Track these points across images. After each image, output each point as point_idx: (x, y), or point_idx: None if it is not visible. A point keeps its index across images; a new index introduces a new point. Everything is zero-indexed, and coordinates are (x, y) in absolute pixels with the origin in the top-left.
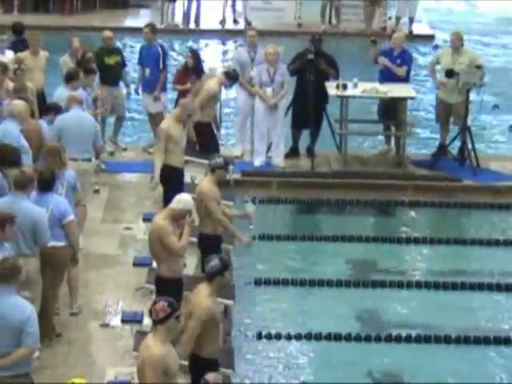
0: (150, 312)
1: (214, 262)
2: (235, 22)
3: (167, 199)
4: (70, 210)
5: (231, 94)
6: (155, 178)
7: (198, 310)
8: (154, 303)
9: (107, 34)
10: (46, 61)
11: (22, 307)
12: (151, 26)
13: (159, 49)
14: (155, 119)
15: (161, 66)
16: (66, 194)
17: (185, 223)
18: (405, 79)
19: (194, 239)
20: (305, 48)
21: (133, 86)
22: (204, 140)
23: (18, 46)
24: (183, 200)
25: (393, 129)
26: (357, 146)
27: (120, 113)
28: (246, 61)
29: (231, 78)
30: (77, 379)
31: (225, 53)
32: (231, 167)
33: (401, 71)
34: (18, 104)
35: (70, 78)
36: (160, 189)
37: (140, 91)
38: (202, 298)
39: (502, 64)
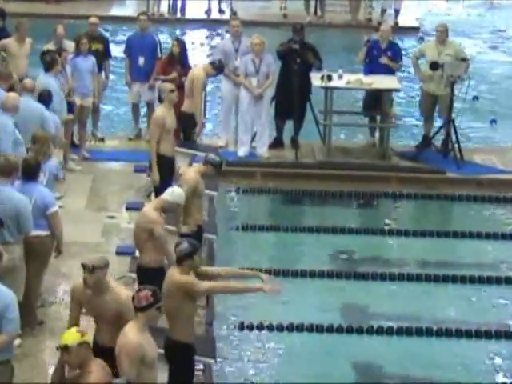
0: (133, 298)
1: (184, 245)
2: (221, 11)
3: (158, 188)
4: (54, 200)
5: (216, 84)
6: (154, 172)
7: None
8: (139, 290)
9: (92, 19)
10: (31, 48)
11: (3, 293)
12: (146, 14)
13: (155, 37)
14: (149, 108)
15: (159, 54)
16: (47, 182)
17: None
18: (391, 70)
19: (175, 228)
20: (289, 38)
21: (112, 77)
22: (186, 130)
23: (1, 33)
24: (176, 193)
25: (378, 120)
26: (341, 136)
27: (96, 101)
28: (230, 51)
29: (217, 68)
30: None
31: (210, 42)
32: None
33: (397, 67)
34: (11, 97)
35: (50, 67)
36: (144, 178)
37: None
38: (174, 276)
39: (482, 56)
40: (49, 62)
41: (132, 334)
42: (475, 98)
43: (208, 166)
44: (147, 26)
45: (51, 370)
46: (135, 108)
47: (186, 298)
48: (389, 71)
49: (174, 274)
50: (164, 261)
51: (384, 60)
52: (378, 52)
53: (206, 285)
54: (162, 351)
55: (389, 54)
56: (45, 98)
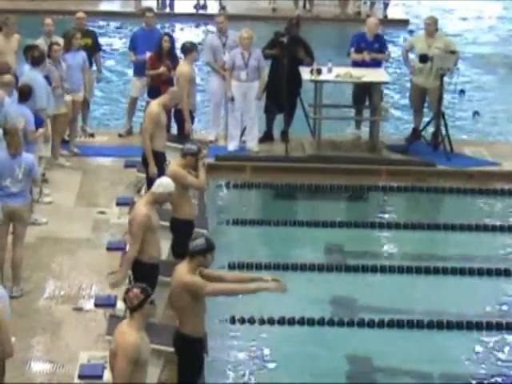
0: (125, 300)
1: (200, 241)
2: (204, 7)
3: (150, 183)
4: None
5: (205, 78)
6: (150, 165)
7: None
8: (127, 291)
9: (79, 14)
10: (18, 44)
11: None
12: (152, 9)
13: (162, 32)
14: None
15: None
16: (23, 176)
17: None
18: (378, 63)
19: (167, 223)
20: (275, 32)
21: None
22: (182, 126)
23: None
24: (163, 183)
25: (366, 113)
26: (331, 129)
27: (86, 96)
28: (217, 46)
29: (191, 49)
30: None
31: (199, 37)
32: (204, 152)
33: (386, 57)
34: None
35: (38, 62)
36: (134, 173)
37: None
38: (181, 274)
39: (469, 49)
40: (37, 57)
41: (130, 335)
42: (462, 91)
43: (186, 157)
44: (154, 21)
45: (40, 366)
46: (133, 102)
47: (193, 298)
48: (376, 64)
49: (182, 272)
50: (159, 257)
51: (367, 57)
52: (366, 45)
53: (212, 287)
54: (163, 348)
55: (376, 45)
56: (25, 93)
